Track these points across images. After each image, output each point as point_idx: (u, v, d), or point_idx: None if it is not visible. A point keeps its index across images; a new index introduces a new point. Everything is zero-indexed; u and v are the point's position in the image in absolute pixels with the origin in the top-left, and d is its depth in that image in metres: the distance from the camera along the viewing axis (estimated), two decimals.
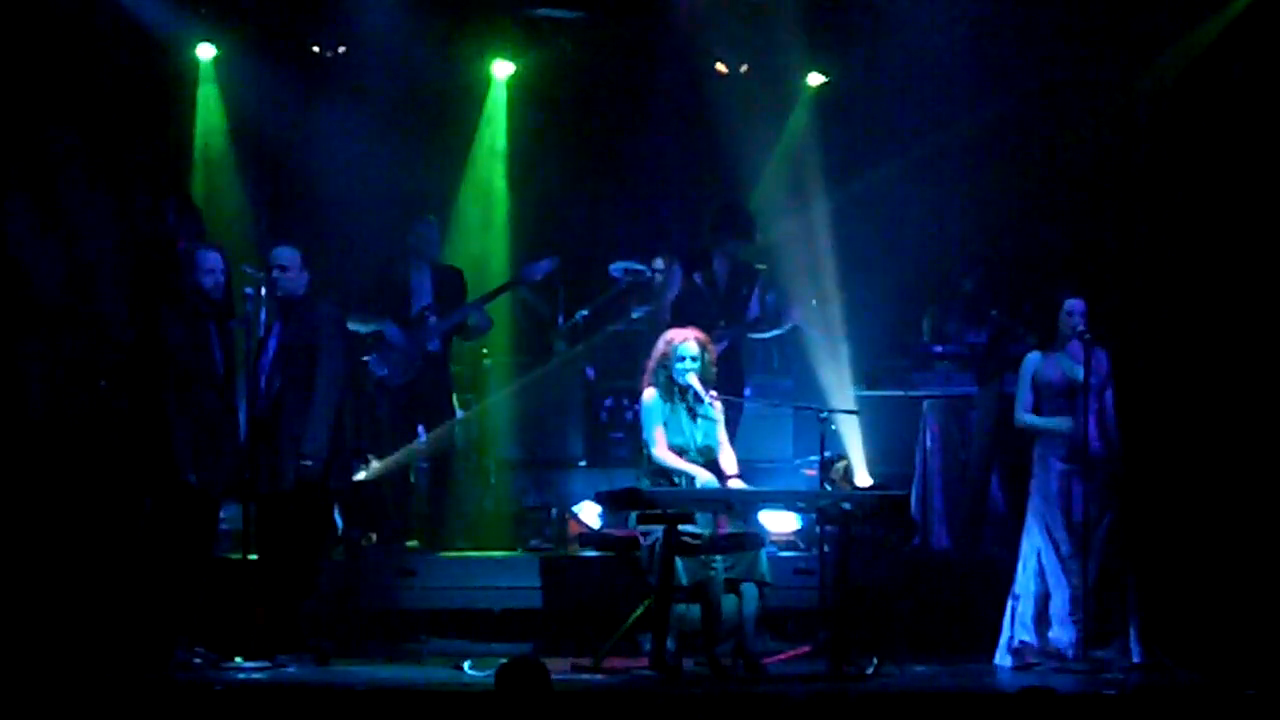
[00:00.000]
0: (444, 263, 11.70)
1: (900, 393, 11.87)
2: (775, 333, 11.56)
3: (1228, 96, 11.51)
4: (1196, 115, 11.61)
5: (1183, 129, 11.65)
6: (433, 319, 11.37)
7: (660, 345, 9.75)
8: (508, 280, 11.97)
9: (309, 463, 9.65)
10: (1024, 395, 9.98)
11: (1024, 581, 9.91)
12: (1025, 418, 9.98)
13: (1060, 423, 9.88)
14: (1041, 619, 9.86)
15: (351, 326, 10.80)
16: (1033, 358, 10.00)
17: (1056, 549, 9.84)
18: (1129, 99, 11.95)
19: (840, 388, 11.26)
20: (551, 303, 12.50)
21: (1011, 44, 12.19)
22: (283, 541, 9.70)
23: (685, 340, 9.68)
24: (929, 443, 11.72)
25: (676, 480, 9.56)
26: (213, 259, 9.62)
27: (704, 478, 9.54)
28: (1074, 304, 9.92)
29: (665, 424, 9.63)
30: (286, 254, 9.86)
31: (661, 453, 9.60)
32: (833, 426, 10.03)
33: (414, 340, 11.33)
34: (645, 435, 9.67)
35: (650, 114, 12.70)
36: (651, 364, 9.75)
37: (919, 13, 12.13)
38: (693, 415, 9.67)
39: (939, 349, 11.99)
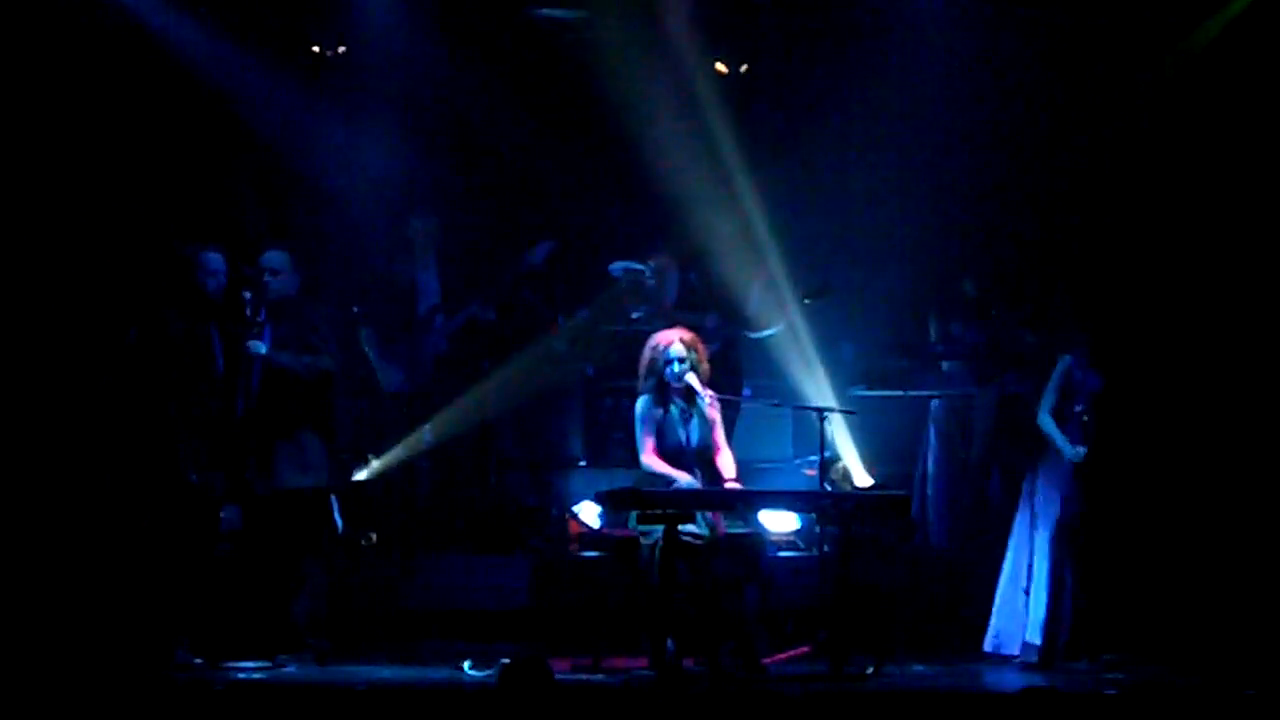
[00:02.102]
0: (447, 256, 11.68)
1: (901, 393, 11.87)
2: (769, 333, 11.55)
3: (1229, 96, 11.53)
4: (1198, 114, 11.62)
5: (1185, 128, 11.66)
6: (440, 319, 11.36)
7: (646, 351, 9.67)
8: (511, 271, 11.96)
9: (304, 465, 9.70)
10: (1049, 395, 9.94)
11: (1015, 573, 9.93)
12: (1045, 420, 9.92)
13: (1064, 449, 9.84)
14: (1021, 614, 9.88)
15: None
16: (1068, 359, 9.96)
17: (1051, 546, 9.84)
18: (1131, 98, 11.95)
19: (824, 387, 11.25)
20: (551, 303, 12.49)
21: (1012, 44, 12.20)
22: (281, 541, 9.71)
23: (670, 343, 9.61)
24: (929, 442, 11.73)
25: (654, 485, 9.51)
26: (215, 260, 9.66)
27: (686, 481, 9.47)
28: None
29: (659, 428, 9.58)
30: (277, 258, 9.88)
31: (649, 459, 9.55)
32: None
33: (421, 347, 11.33)
34: (636, 442, 9.64)
35: (650, 114, 12.68)
36: (641, 369, 9.68)
37: (920, 13, 12.14)
38: (686, 417, 9.64)
39: (940, 349, 12.00)
